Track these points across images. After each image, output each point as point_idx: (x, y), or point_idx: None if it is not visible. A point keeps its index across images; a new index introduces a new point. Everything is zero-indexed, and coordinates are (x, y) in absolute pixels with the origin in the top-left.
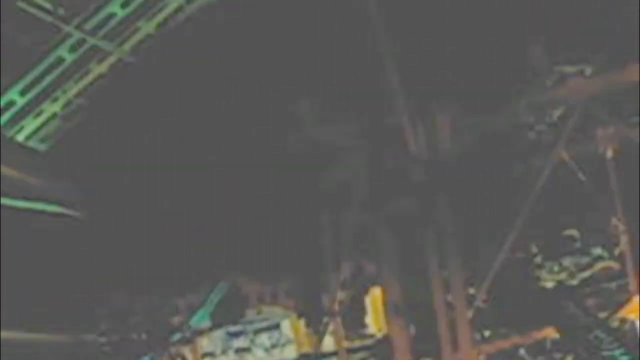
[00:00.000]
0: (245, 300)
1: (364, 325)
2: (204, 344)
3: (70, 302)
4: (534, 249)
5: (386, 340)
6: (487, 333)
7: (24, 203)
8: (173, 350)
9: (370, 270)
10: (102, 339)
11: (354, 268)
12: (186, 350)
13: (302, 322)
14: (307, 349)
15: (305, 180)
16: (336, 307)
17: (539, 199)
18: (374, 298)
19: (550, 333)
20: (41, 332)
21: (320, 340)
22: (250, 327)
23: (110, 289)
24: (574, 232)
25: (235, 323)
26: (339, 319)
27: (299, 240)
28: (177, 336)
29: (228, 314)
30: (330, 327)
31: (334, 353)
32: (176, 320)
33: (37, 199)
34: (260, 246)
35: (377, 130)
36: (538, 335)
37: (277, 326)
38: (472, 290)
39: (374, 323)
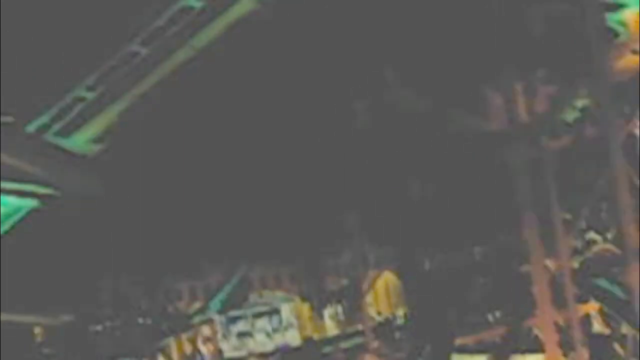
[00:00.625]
0: (249, 285)
1: (363, 309)
2: (204, 329)
3: (72, 285)
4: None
5: (387, 323)
6: None
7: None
8: (177, 335)
9: (373, 255)
10: (108, 324)
11: (357, 253)
12: (185, 336)
13: (306, 306)
14: (310, 333)
15: (314, 163)
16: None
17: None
18: (378, 282)
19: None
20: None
21: (323, 324)
22: (249, 312)
23: (116, 273)
24: (567, 215)
25: (237, 308)
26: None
27: (304, 223)
28: (195, 319)
29: (231, 299)
30: (331, 311)
31: (338, 337)
32: (195, 305)
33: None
34: (265, 230)
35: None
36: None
37: (276, 311)
38: None
39: (375, 307)
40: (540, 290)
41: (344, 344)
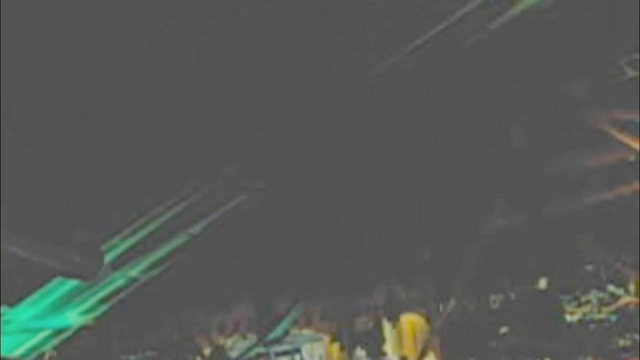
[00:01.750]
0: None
1: (383, 353)
2: None
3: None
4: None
5: None
6: None
7: None
8: None
9: (402, 295)
10: (150, 353)
11: (386, 293)
12: None
13: (335, 346)
14: None
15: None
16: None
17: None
18: (402, 324)
19: None
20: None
21: None
22: (272, 350)
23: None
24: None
25: (266, 345)
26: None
27: (338, 262)
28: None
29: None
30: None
31: None
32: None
33: None
34: (298, 268)
35: None
36: None
37: (298, 350)
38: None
39: (395, 350)
40: None
41: None
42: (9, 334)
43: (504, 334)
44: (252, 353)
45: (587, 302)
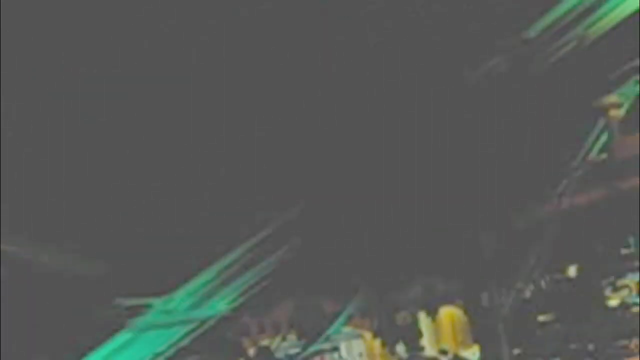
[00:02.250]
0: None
1: (422, 347)
2: None
3: None
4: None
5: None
6: None
7: None
8: None
9: (440, 288)
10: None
11: (423, 286)
12: None
13: (377, 343)
14: None
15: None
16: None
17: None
18: (441, 317)
19: None
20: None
21: None
22: (311, 349)
23: None
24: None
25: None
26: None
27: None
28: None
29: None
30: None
31: None
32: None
33: None
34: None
35: None
36: None
37: (336, 349)
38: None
39: (434, 343)
40: None
41: None
42: (158, 325)
43: (548, 322)
44: (308, 352)
45: (625, 286)
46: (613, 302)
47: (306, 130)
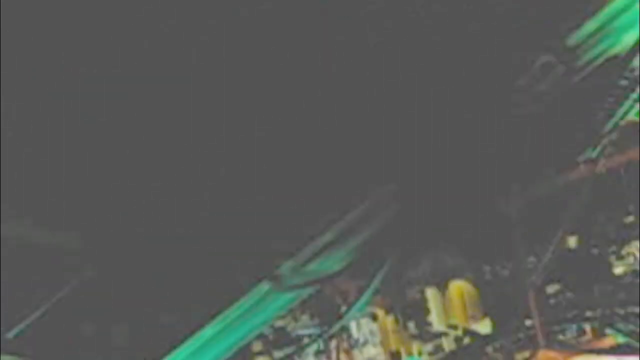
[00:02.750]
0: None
1: (430, 323)
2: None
3: None
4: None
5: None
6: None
7: None
8: None
9: (450, 263)
10: None
11: (432, 261)
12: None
13: (389, 319)
14: (395, 347)
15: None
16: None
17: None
18: (450, 291)
19: None
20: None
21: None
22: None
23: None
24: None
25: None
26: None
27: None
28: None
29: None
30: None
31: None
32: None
33: None
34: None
35: None
36: None
37: (346, 328)
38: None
39: (443, 318)
40: None
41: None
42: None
43: (556, 292)
44: (326, 335)
45: (629, 254)
46: (618, 270)
47: (306, 130)
